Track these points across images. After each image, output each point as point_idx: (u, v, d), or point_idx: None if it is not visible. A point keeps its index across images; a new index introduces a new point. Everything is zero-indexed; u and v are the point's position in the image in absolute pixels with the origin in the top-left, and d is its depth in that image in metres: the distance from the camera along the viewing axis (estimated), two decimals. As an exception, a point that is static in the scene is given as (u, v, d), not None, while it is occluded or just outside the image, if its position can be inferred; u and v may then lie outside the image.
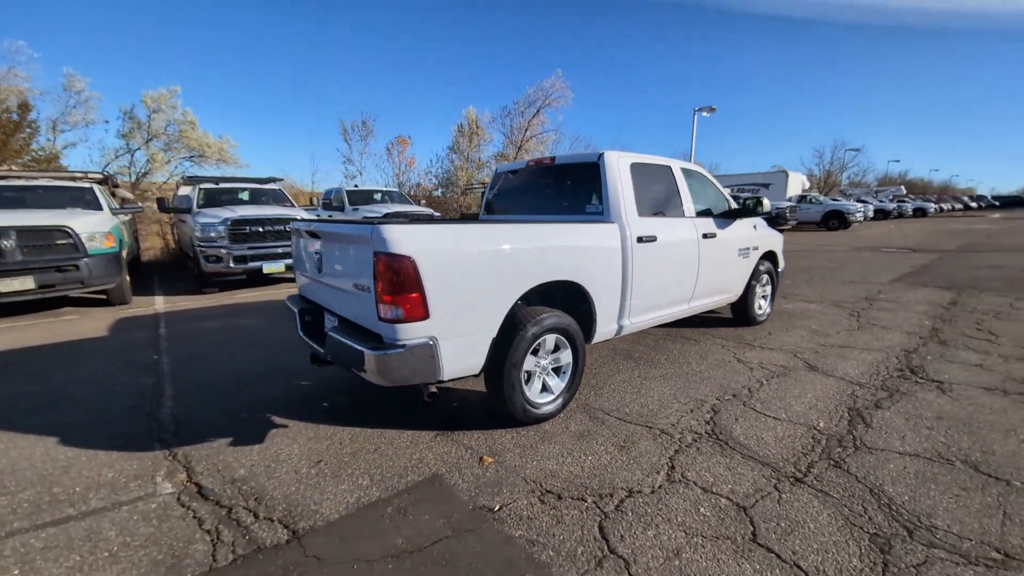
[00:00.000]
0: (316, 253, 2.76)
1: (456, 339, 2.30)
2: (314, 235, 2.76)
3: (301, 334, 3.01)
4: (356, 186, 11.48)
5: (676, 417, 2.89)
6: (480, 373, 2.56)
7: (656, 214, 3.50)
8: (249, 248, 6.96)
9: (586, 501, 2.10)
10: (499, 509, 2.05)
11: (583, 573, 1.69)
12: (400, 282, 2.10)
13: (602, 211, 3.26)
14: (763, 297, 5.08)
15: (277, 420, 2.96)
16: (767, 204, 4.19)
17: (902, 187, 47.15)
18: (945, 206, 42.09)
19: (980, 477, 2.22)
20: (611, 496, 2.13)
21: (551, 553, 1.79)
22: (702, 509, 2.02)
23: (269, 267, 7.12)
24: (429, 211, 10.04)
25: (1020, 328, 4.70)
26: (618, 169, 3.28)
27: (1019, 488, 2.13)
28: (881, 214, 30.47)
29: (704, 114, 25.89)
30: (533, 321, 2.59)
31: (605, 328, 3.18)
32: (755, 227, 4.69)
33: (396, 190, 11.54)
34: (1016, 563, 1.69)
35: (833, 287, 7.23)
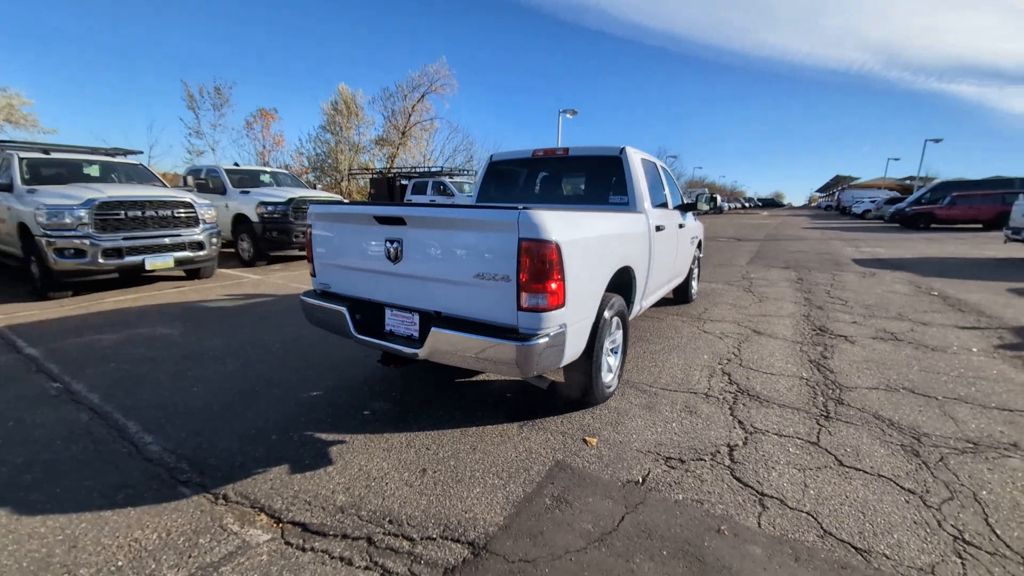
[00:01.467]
0: (392, 241, 2.41)
1: (576, 325, 2.31)
2: (390, 220, 2.40)
3: (358, 335, 2.60)
4: (236, 164, 9.62)
5: (705, 382, 3.33)
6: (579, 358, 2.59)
7: (658, 205, 3.90)
8: (124, 238, 5.43)
9: (704, 460, 2.35)
10: (644, 481, 2.17)
11: (758, 516, 1.94)
12: (546, 269, 2.03)
13: (627, 202, 3.52)
14: (695, 278, 5.99)
15: (325, 437, 2.54)
16: (719, 199, 4.97)
17: (705, 189, 58.76)
18: (732, 205, 53.99)
19: (920, 398, 3.11)
20: (719, 452, 2.42)
21: (721, 506, 2.00)
22: (791, 449, 2.45)
23: (154, 262, 5.67)
24: (336, 196, 9.04)
25: (853, 294, 6.45)
26: (637, 162, 3.56)
27: (940, 400, 3.05)
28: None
29: (568, 116, 28.29)
30: (609, 305, 2.72)
31: (634, 310, 3.46)
32: (695, 217, 5.49)
33: (286, 172, 10.04)
34: (978, 447, 2.48)
35: (712, 270, 8.77)
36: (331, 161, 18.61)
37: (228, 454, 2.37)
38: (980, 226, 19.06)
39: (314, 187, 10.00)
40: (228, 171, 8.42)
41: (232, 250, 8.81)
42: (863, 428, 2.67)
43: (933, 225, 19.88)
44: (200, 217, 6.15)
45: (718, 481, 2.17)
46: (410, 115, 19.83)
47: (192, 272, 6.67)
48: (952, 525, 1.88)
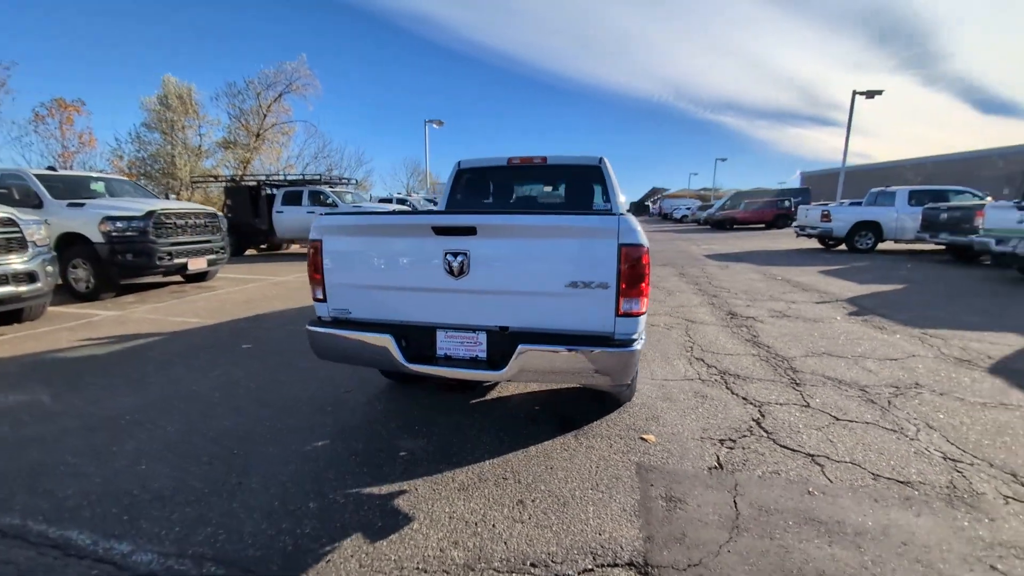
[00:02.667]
0: (455, 255, 2.13)
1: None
2: (453, 231, 2.12)
3: (411, 364, 2.22)
4: (52, 168, 7.12)
5: (692, 369, 3.70)
6: None
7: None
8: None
9: (748, 436, 2.63)
10: (722, 465, 2.34)
11: (822, 472, 2.25)
12: (641, 274, 2.05)
13: (611, 208, 3.71)
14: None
15: (377, 491, 2.14)
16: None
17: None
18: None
19: (838, 359, 3.94)
20: (752, 427, 2.73)
21: (793, 471, 2.26)
22: (797, 414, 2.89)
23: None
24: (211, 209, 7.49)
25: (727, 283, 7.80)
26: (612, 171, 3.79)
27: (849, 358, 3.92)
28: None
29: (435, 126, 28.30)
30: None
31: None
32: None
33: (124, 179, 7.80)
34: (898, 389, 3.26)
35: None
36: (162, 165, 15.18)
37: (268, 539, 1.83)
38: (763, 225, 24.67)
39: (166, 196, 8.01)
40: (40, 177, 6.27)
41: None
42: (826, 388, 3.29)
43: (735, 226, 25.07)
44: (28, 239, 4.51)
45: (773, 452, 2.46)
46: (265, 116, 17.42)
47: (9, 315, 4.83)
48: (936, 449, 2.46)
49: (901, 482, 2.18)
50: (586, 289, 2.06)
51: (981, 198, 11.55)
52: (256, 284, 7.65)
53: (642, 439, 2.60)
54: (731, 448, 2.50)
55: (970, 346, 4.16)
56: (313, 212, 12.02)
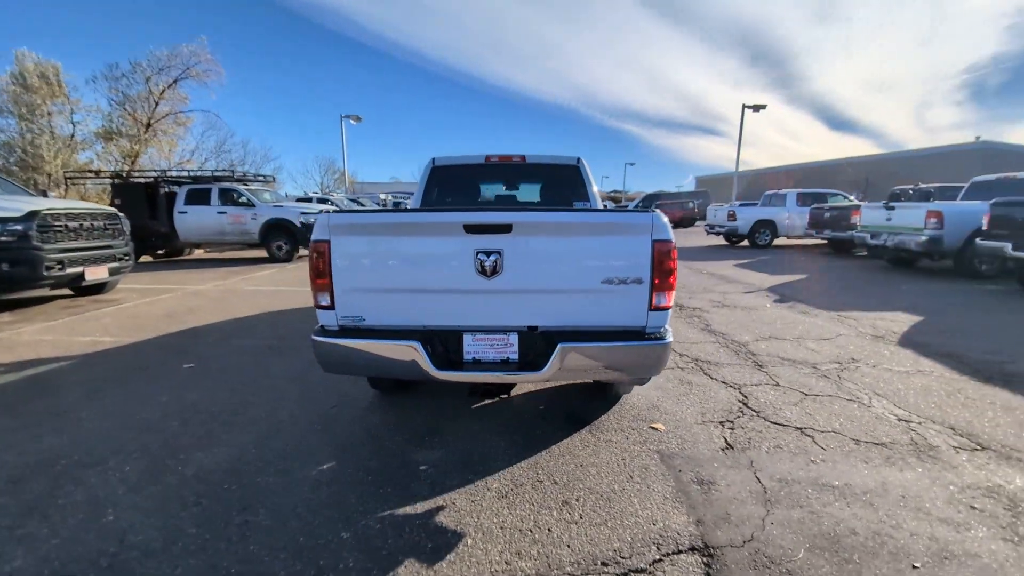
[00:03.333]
0: (488, 254, 2.02)
1: None
2: (487, 229, 2.01)
3: (441, 371, 2.07)
4: None
5: (679, 356, 3.92)
6: None
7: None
8: None
9: (742, 416, 2.85)
10: (732, 446, 2.51)
11: (815, 442, 2.52)
12: (671, 269, 2.13)
13: (590, 207, 3.81)
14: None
15: (412, 510, 1.99)
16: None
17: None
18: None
19: (783, 341, 4.43)
20: (743, 408, 2.96)
21: (792, 445, 2.50)
22: (772, 392, 3.19)
23: None
24: (110, 209, 6.35)
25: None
26: (589, 170, 3.89)
27: (792, 340, 4.43)
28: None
29: (352, 121, 26.89)
30: None
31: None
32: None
33: None
34: (840, 364, 3.75)
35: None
36: (19, 156, 12.49)
37: (308, 580, 1.61)
38: (673, 225, 26.91)
39: (44, 194, 6.57)
40: None
41: None
42: (785, 367, 3.68)
43: None
44: None
45: (767, 429, 2.69)
46: (157, 104, 15.11)
47: None
48: (890, 413, 2.87)
49: (877, 444, 2.51)
50: (621, 285, 2.10)
51: (848, 199, 13.68)
52: (171, 295, 6.68)
53: (652, 428, 2.71)
54: (732, 429, 2.69)
55: (877, 324, 4.91)
56: (225, 212, 10.82)
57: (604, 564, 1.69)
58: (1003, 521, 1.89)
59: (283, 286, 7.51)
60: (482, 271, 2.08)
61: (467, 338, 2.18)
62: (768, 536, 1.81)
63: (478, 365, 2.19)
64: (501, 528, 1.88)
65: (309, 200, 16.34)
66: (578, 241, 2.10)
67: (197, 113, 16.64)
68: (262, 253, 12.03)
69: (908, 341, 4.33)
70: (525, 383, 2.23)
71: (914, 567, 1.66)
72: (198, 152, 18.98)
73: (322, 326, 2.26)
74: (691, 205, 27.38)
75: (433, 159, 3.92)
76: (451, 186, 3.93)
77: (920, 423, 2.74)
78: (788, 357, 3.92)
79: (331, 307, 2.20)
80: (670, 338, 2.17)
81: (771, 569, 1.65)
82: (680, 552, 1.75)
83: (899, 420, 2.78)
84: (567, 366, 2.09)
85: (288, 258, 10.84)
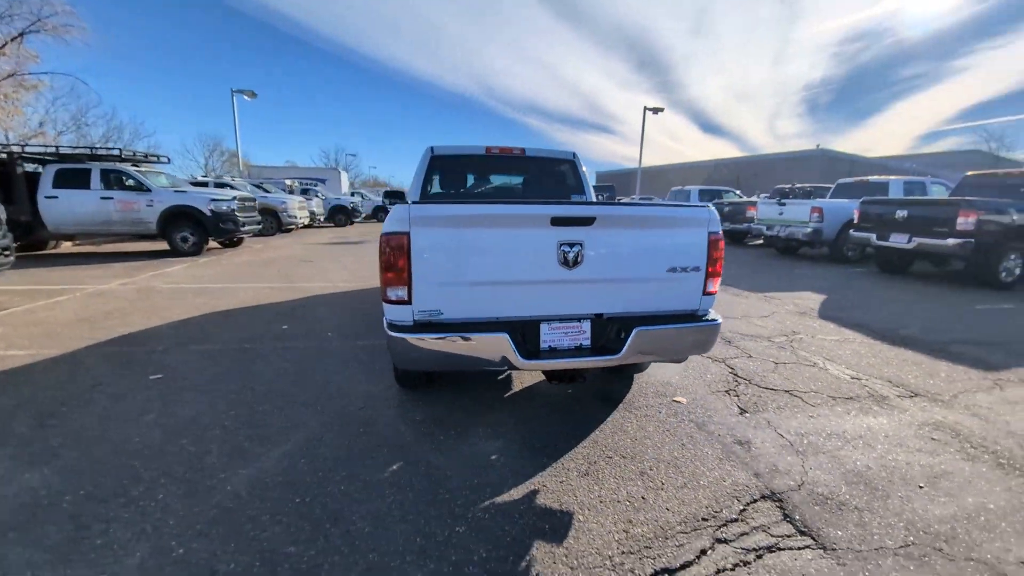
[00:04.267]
0: (571, 245, 2.08)
1: None
2: (571, 221, 2.07)
3: (526, 361, 2.10)
4: None
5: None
6: None
7: None
8: None
9: (740, 384, 3.29)
10: (745, 411, 2.91)
11: (807, 396, 3.02)
12: (720, 257, 2.40)
13: (585, 200, 4.00)
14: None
15: (508, 498, 2.04)
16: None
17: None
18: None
19: (735, 319, 5.09)
20: (736, 379, 3.41)
21: (793, 398, 2.97)
22: (769, 360, 3.71)
23: None
24: None
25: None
26: (582, 165, 4.09)
27: (743, 317, 5.12)
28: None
29: (246, 98, 24.12)
30: None
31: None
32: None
33: None
34: (791, 335, 4.46)
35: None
36: None
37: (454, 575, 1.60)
38: None
39: None
40: None
41: None
42: (748, 342, 4.27)
43: None
44: None
45: (764, 393, 3.15)
46: (-9, 60, 11.87)
47: None
48: (843, 373, 3.52)
49: (847, 398, 3.09)
50: (683, 273, 2.32)
51: (738, 196, 15.73)
52: (69, 297, 5.53)
53: (676, 402, 3.01)
54: (737, 396, 3.11)
55: (797, 302, 5.86)
56: (111, 198, 9.15)
57: (704, 519, 1.92)
58: (956, 446, 2.49)
59: (210, 283, 6.64)
60: (564, 262, 2.16)
61: (543, 327, 2.25)
62: (814, 478, 2.19)
63: (555, 352, 2.27)
64: (600, 502, 2.02)
65: (205, 184, 14.40)
66: (648, 233, 2.28)
67: (55, 77, 13.46)
68: (156, 246, 10.46)
69: (825, 315, 5.25)
70: (602, 367, 2.36)
71: (920, 487, 2.14)
72: (52, 123, 15.34)
73: (393, 322, 2.16)
74: (599, 199, 29.22)
75: (431, 148, 3.80)
76: (451, 176, 3.85)
77: (867, 379, 3.41)
78: (746, 333, 4.54)
79: (407, 302, 2.12)
80: (720, 319, 2.46)
81: (830, 503, 2.02)
82: (756, 501, 2.04)
83: (852, 379, 3.43)
84: (640, 348, 2.27)
85: (196, 251, 9.51)
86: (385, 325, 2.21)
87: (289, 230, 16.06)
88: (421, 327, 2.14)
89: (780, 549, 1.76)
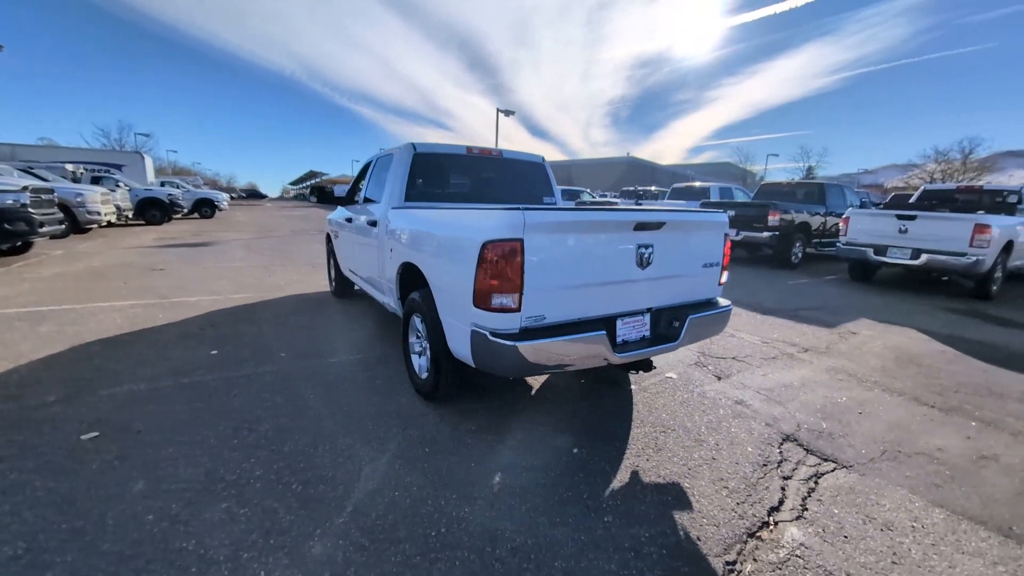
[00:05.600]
0: (645, 247, 2.33)
1: None
2: (648, 226, 2.30)
3: (618, 355, 2.29)
4: None
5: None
6: None
7: None
8: None
9: (737, 360, 4.00)
10: (727, 376, 3.58)
11: (794, 365, 3.86)
12: (729, 254, 2.95)
13: (555, 202, 4.26)
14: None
15: (650, 480, 2.23)
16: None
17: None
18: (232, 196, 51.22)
19: (650, 304, 5.98)
20: (707, 353, 4.12)
21: (789, 366, 3.76)
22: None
23: None
24: None
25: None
26: (549, 169, 4.34)
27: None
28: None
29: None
30: None
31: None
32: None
33: None
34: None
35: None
36: None
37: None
38: None
39: None
40: None
41: None
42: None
43: None
44: None
45: (721, 362, 3.91)
46: None
47: None
48: (758, 340, 4.55)
49: (773, 358, 4.04)
50: (710, 268, 2.80)
51: (592, 196, 17.88)
52: None
53: (669, 377, 3.54)
54: (707, 367, 3.80)
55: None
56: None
57: (764, 465, 2.42)
58: (854, 382, 3.55)
59: (36, 306, 4.86)
60: (639, 263, 2.42)
61: (619, 323, 2.47)
62: (801, 420, 2.91)
63: (627, 345, 2.52)
64: (688, 469, 2.36)
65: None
66: (694, 234, 2.70)
67: None
68: None
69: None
70: (664, 353, 2.67)
71: (859, 413, 3.03)
72: None
73: (497, 330, 2.12)
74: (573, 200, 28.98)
75: (413, 145, 3.55)
76: (433, 175, 3.68)
77: (772, 342, 4.49)
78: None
79: (516, 309, 2.11)
80: (731, 304, 3.02)
81: (823, 434, 2.73)
82: (783, 443, 2.64)
83: (763, 343, 4.47)
84: (691, 335, 2.67)
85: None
86: (474, 335, 2.19)
87: (87, 230, 12.43)
88: (527, 333, 2.15)
89: (822, 474, 2.36)
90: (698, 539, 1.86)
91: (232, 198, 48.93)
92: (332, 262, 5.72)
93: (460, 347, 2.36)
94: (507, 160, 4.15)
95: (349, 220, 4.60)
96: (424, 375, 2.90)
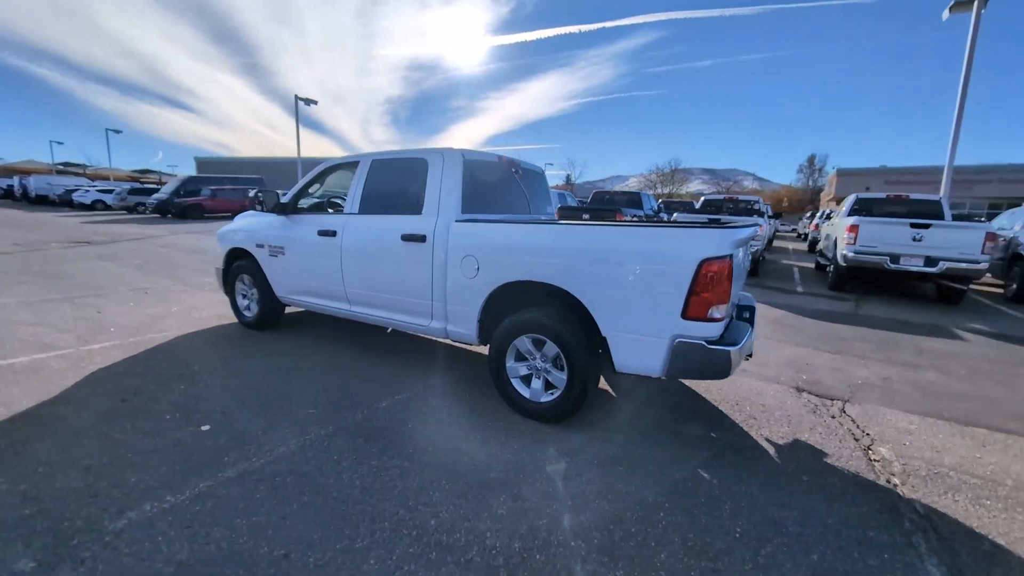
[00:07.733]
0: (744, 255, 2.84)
1: None
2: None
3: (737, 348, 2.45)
4: None
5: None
6: None
7: None
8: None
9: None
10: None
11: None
12: None
13: (553, 213, 4.18)
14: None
15: (686, 471, 2.08)
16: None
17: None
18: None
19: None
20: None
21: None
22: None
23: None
24: None
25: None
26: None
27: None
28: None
29: None
30: None
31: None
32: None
33: None
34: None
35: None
36: None
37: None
38: (230, 215, 15.31)
39: None
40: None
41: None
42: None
43: (206, 215, 20.13)
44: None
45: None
46: None
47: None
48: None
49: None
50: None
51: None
52: None
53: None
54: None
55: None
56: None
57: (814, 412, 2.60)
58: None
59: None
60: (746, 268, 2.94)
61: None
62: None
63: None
64: (762, 442, 2.38)
65: None
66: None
67: None
68: None
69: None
70: None
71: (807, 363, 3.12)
72: None
73: (711, 338, 2.21)
74: (252, 192, 15.12)
75: (462, 152, 3.28)
76: (480, 183, 3.42)
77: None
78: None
79: (723, 319, 2.22)
80: None
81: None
82: (800, 393, 2.91)
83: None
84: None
85: None
86: (680, 345, 2.20)
87: None
88: (724, 340, 2.28)
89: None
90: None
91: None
92: (245, 286, 4.39)
93: (641, 359, 2.31)
94: (525, 170, 3.93)
95: (322, 233, 3.65)
96: (544, 397, 2.63)
